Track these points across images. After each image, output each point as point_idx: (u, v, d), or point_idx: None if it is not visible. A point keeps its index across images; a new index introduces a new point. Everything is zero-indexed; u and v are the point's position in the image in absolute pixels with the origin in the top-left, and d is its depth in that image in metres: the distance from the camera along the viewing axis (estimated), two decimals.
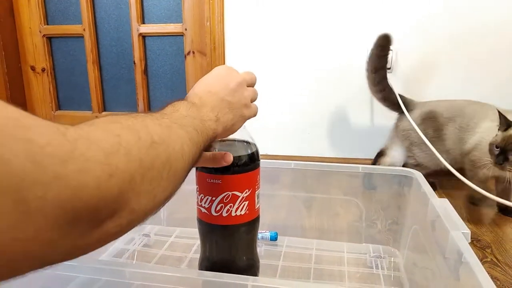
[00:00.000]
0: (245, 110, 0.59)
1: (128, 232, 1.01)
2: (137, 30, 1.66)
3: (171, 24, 1.63)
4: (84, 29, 1.70)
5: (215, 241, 0.68)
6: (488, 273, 0.86)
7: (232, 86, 0.56)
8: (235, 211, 0.64)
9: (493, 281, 0.82)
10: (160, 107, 0.47)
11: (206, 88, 0.55)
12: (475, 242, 0.99)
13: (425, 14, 1.36)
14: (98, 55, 1.75)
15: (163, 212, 1.02)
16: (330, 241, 0.94)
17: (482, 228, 1.06)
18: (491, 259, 0.91)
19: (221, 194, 0.63)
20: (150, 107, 1.72)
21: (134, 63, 1.70)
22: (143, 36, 1.68)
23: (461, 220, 0.62)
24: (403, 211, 0.89)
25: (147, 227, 1.02)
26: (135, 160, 0.33)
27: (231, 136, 0.64)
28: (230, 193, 0.63)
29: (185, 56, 1.64)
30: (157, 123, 0.40)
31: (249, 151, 0.65)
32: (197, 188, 0.66)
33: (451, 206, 0.68)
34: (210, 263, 0.69)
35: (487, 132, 1.07)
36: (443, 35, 1.36)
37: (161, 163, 0.36)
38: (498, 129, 1.03)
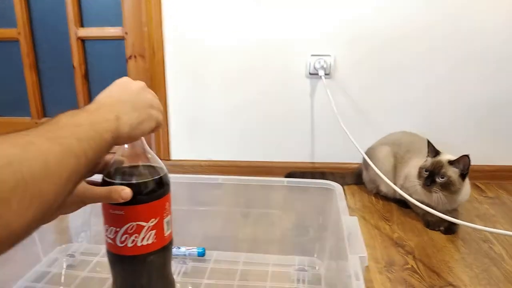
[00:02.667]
0: (153, 111, 0.58)
1: (52, 253, 0.98)
2: (76, 34, 1.60)
3: (111, 27, 1.59)
4: (19, 33, 1.63)
5: (123, 271, 0.67)
6: (406, 281, 0.90)
7: (133, 89, 0.57)
8: (141, 241, 0.63)
9: None
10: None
11: (106, 94, 0.55)
12: (399, 248, 1.03)
13: (361, 19, 1.38)
14: (36, 59, 1.68)
15: (90, 229, 1.00)
16: (258, 253, 0.95)
17: (408, 233, 1.10)
18: (412, 265, 0.95)
19: (125, 225, 0.62)
20: None
21: (74, 67, 1.64)
22: (82, 40, 1.62)
23: (362, 242, 0.64)
24: (326, 223, 0.91)
25: (73, 246, 1.00)
26: None
27: (135, 162, 0.63)
28: (135, 223, 0.62)
29: (127, 60, 1.60)
30: (14, 143, 0.38)
31: (155, 177, 0.64)
32: (102, 217, 0.65)
33: (358, 226, 0.70)
34: None
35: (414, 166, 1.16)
36: (379, 40, 1.39)
37: (8, 188, 0.34)
38: (427, 156, 1.13)
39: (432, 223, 1.10)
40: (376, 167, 1.17)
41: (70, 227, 1.04)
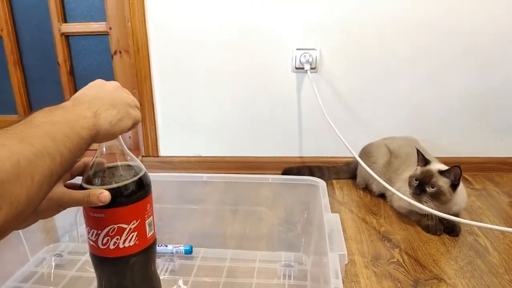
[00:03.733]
0: (131, 109, 0.58)
1: (40, 253, 0.98)
2: (59, 30, 1.58)
3: (95, 23, 1.57)
4: (1, 30, 1.60)
5: (107, 273, 0.67)
6: (391, 275, 0.90)
7: (109, 88, 0.57)
8: (123, 243, 0.63)
9: (394, 283, 0.87)
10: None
11: (82, 92, 0.55)
12: (386, 242, 1.04)
13: (347, 12, 1.37)
14: (20, 56, 1.66)
15: (77, 229, 1.00)
16: (245, 250, 0.95)
17: (395, 227, 1.11)
18: (397, 259, 0.96)
19: (106, 227, 0.62)
20: None
21: (59, 64, 1.62)
22: (66, 36, 1.60)
23: (342, 240, 0.65)
24: (311, 219, 0.92)
25: (61, 245, 1.00)
26: None
27: (114, 165, 0.63)
28: (116, 226, 0.62)
29: (112, 56, 1.58)
30: None
31: (135, 179, 0.63)
32: (84, 220, 0.65)
33: (340, 223, 0.70)
34: None
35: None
36: (366, 34, 1.38)
37: None
38: (418, 165, 1.12)
39: (431, 227, 1.07)
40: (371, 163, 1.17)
41: (57, 226, 1.04)
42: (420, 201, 1.04)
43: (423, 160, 1.11)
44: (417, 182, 1.07)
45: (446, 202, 1.05)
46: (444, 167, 1.08)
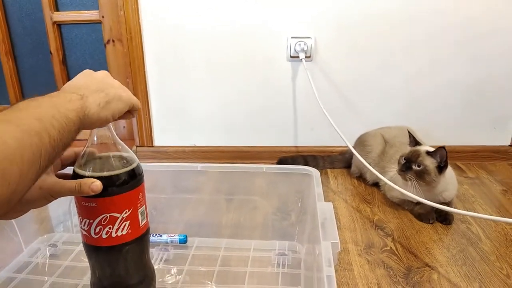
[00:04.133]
0: (122, 91, 0.57)
1: (34, 243, 0.98)
2: (51, 18, 1.56)
3: (87, 11, 1.54)
4: None
5: (100, 262, 0.67)
6: (384, 263, 0.91)
7: (97, 76, 0.57)
8: (115, 232, 0.63)
9: (387, 270, 0.88)
10: None
11: (70, 82, 0.55)
12: (379, 230, 1.04)
13: (343, 0, 1.35)
14: (12, 45, 1.64)
15: (71, 219, 1.00)
16: (239, 239, 0.96)
17: (389, 215, 1.12)
18: (390, 247, 0.97)
19: (98, 217, 0.62)
20: None
21: (51, 53, 1.60)
22: (58, 24, 1.58)
23: (335, 228, 0.65)
24: (305, 208, 0.92)
25: (55, 235, 1.00)
26: None
27: (106, 154, 0.62)
28: (108, 215, 0.62)
29: (105, 45, 1.57)
30: None
31: (126, 168, 0.63)
32: (76, 209, 0.64)
33: (333, 212, 0.71)
34: (100, 284, 0.68)
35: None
36: (361, 21, 1.38)
37: None
38: (409, 145, 1.15)
39: (423, 216, 1.08)
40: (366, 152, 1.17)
41: (51, 217, 1.03)
42: (404, 179, 1.07)
43: (414, 142, 1.14)
44: (405, 160, 1.09)
45: (430, 183, 1.06)
46: (431, 149, 1.09)
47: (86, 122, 0.51)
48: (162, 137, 1.57)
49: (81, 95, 0.51)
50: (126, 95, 0.58)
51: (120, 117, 0.59)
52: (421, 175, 1.06)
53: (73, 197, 0.61)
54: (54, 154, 0.45)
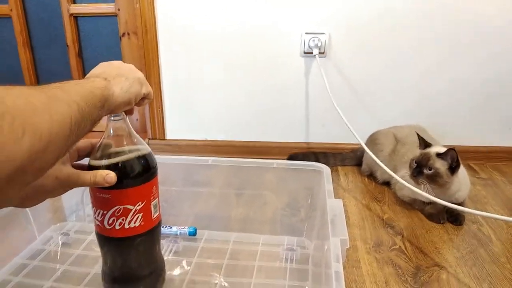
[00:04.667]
0: (139, 74, 0.61)
1: (47, 231, 1.00)
2: (68, 11, 1.58)
3: (103, 4, 1.56)
4: (11, 10, 1.60)
5: (112, 252, 0.69)
6: (393, 261, 0.91)
7: (116, 64, 0.60)
8: (128, 224, 0.65)
9: (396, 269, 0.88)
10: None
11: (90, 72, 0.58)
12: (388, 228, 1.04)
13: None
14: (29, 37, 1.66)
15: (83, 208, 1.02)
16: (248, 233, 0.96)
17: (399, 214, 1.12)
18: (400, 246, 0.96)
19: (112, 208, 0.63)
20: None
21: (67, 45, 1.62)
22: (75, 17, 1.60)
23: (344, 225, 0.65)
24: (315, 204, 0.92)
25: (68, 224, 1.02)
26: None
27: (121, 146, 0.63)
28: (121, 207, 0.63)
29: (120, 38, 1.58)
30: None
31: (141, 161, 0.64)
32: (90, 200, 0.66)
33: (343, 208, 0.71)
34: (111, 274, 0.70)
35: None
36: (375, 19, 1.37)
37: None
38: (419, 148, 1.14)
39: (434, 216, 1.08)
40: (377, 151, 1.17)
41: (65, 206, 1.06)
42: (417, 183, 1.06)
43: (423, 144, 1.13)
44: (416, 164, 1.08)
45: (443, 185, 1.05)
46: (442, 150, 1.08)
47: (111, 102, 0.53)
48: (174, 131, 1.58)
49: (105, 78, 0.54)
50: (143, 77, 0.62)
51: (136, 104, 0.61)
52: (433, 179, 1.05)
53: (87, 187, 0.63)
54: (84, 124, 0.46)
